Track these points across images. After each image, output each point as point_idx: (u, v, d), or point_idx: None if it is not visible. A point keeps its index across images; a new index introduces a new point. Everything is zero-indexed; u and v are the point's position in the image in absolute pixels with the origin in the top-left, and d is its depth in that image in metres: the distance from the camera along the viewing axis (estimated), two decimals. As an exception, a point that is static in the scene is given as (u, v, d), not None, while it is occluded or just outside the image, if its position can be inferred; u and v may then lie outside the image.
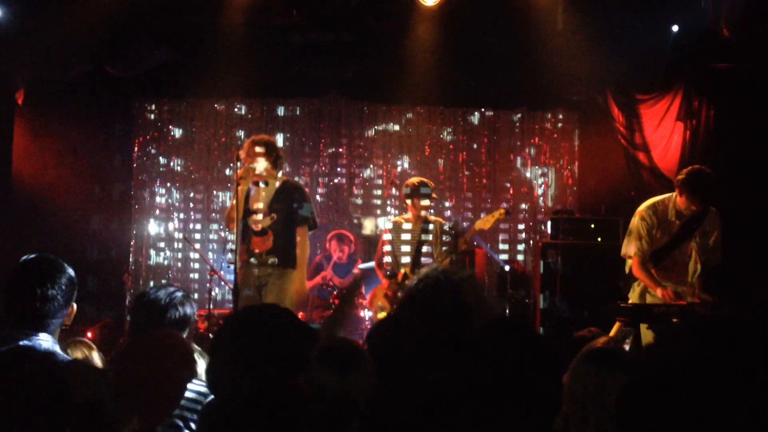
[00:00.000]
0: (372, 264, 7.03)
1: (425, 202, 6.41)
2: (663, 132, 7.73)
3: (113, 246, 8.88)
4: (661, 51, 7.50)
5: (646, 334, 5.11)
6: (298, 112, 9.14)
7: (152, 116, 9.11)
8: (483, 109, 9.13)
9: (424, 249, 6.37)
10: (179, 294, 2.98)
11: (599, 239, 7.49)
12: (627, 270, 5.60)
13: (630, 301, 5.43)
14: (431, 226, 6.45)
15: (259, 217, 5.72)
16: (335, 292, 7.25)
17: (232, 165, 8.88)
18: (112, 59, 7.82)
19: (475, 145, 9.15)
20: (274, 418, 1.93)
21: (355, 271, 7.62)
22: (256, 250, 5.69)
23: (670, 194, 5.42)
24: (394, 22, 7.70)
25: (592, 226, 7.56)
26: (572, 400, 2.37)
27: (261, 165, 5.72)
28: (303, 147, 9.16)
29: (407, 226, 6.49)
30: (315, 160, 9.12)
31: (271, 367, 1.96)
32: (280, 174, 5.91)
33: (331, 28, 7.99)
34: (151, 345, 2.39)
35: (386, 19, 7.73)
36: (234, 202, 5.51)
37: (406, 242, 6.41)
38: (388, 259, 6.45)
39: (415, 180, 6.57)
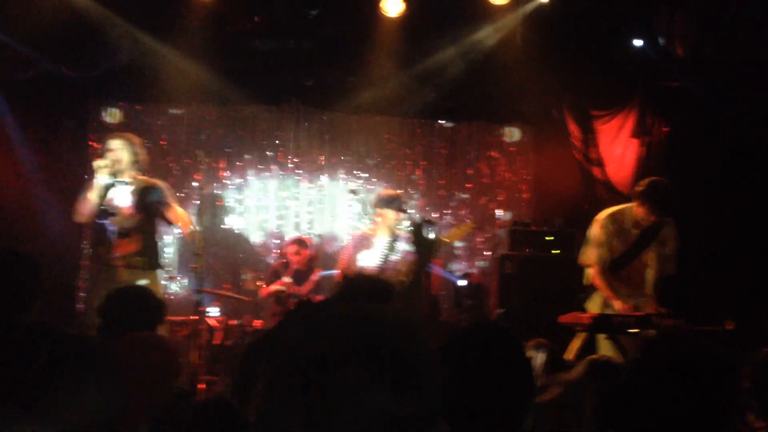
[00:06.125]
0: (331, 272, 6.96)
1: (394, 215, 6.30)
2: (617, 147, 7.91)
3: (65, 250, 8.64)
4: (617, 68, 7.68)
5: (604, 345, 5.21)
6: (256, 120, 9.07)
7: (108, 119, 8.94)
8: (441, 121, 9.19)
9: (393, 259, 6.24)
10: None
11: (555, 251, 7.61)
12: (585, 281, 5.67)
13: (589, 312, 5.51)
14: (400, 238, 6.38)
15: (123, 217, 5.75)
16: (295, 300, 7.17)
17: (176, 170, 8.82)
18: (68, 60, 7.68)
19: (432, 157, 9.20)
20: None
21: (314, 277, 7.55)
22: (119, 253, 5.67)
23: (628, 204, 5.53)
24: (356, 32, 7.73)
25: (549, 238, 7.68)
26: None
27: (123, 163, 5.80)
28: (261, 155, 9.09)
29: (379, 239, 6.35)
30: (274, 167, 9.06)
31: None
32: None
33: (292, 36, 7.97)
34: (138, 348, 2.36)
35: (348, 28, 7.76)
36: (89, 193, 5.68)
37: (375, 255, 6.29)
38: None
39: (391, 192, 6.53)
